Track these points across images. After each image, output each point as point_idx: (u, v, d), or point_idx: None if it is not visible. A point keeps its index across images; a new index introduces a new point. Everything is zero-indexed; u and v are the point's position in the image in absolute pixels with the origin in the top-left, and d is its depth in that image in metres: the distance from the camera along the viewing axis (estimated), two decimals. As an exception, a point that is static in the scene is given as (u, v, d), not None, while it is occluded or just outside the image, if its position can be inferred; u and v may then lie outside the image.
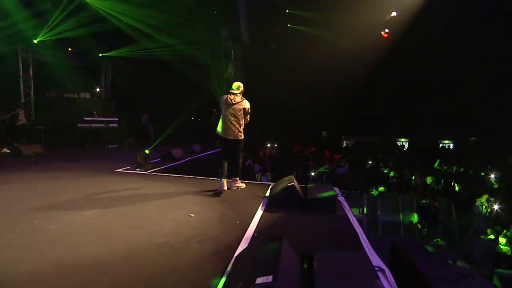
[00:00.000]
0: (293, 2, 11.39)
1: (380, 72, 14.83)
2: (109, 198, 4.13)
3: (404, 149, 17.71)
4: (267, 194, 4.61)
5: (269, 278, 1.60)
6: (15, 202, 3.77)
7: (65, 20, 9.74)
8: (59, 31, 9.81)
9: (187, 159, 7.90)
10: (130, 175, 5.79)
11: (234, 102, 4.44)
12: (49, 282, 2.07)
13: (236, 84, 4.52)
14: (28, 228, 2.96)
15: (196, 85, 13.38)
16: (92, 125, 9.81)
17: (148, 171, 6.07)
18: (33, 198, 3.98)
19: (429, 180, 8.10)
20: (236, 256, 2.34)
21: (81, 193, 4.28)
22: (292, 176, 4.60)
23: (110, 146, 10.10)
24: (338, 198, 4.06)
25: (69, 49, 11.91)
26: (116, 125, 10.51)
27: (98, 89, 12.66)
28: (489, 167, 9.72)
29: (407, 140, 19.35)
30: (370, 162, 10.94)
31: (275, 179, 6.85)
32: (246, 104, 4.49)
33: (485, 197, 6.86)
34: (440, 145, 18.18)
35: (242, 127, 4.56)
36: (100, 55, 12.46)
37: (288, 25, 12.84)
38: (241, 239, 2.89)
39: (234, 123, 4.43)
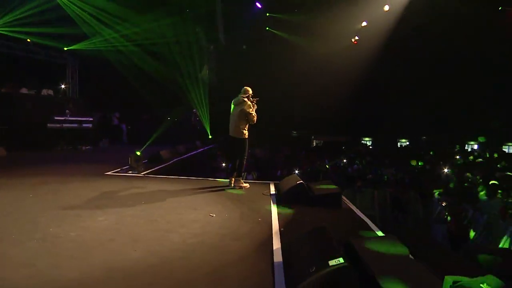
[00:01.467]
0: (273, 6, 11.73)
1: (348, 77, 15.97)
2: (115, 202, 3.99)
3: (370, 147, 19.21)
4: (272, 192, 4.85)
5: (340, 261, 1.84)
6: (11, 210, 3.47)
7: (23, 7, 8.84)
8: (14, 17, 8.84)
9: (174, 160, 7.76)
10: (124, 178, 5.56)
11: (237, 103, 4.81)
12: (108, 286, 2.05)
13: (244, 89, 4.87)
14: (47, 236, 2.79)
15: (171, 85, 13.06)
16: (64, 125, 9.03)
17: (142, 173, 5.89)
18: (31, 205, 3.70)
19: (398, 175, 9.02)
20: (283, 249, 2.53)
21: (80, 198, 4.07)
22: (295, 175, 4.90)
23: (84, 148, 9.41)
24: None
25: (28, 40, 10.77)
26: (90, 125, 9.81)
27: (63, 86, 11.60)
28: (441, 163, 11.14)
29: (370, 139, 21.11)
30: (344, 160, 11.76)
31: (260, 178, 7.33)
32: (244, 106, 4.76)
33: (437, 191, 7.93)
34: (399, 144, 20.12)
35: (244, 128, 4.82)
36: (66, 48, 11.50)
37: (267, 28, 13.19)
38: (271, 234, 3.08)
39: (235, 122, 4.81)
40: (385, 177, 9.23)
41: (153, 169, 6.38)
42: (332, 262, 1.84)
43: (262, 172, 9.08)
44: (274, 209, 3.96)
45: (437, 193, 8.05)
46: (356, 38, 12.68)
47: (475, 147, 17.39)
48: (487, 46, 12.21)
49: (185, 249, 2.65)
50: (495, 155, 12.93)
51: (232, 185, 4.96)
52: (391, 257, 2.17)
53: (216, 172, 8.24)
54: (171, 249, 2.64)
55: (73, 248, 2.58)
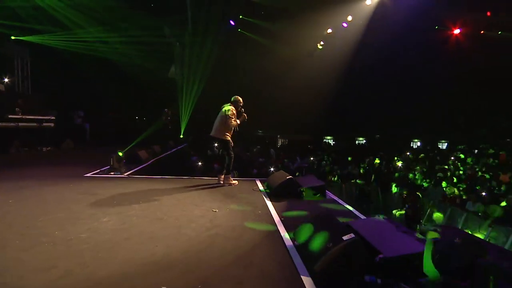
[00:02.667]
0: (245, 10, 12.04)
1: (313, 80, 17.03)
2: (111, 203, 3.96)
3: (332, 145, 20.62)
4: (260, 187, 5.20)
5: (352, 235, 2.26)
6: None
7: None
8: None
9: (153, 160, 7.65)
10: (108, 179, 5.40)
11: (222, 108, 5.19)
12: (147, 277, 2.19)
13: (235, 98, 5.27)
14: (56, 240, 2.75)
15: (138, 83, 12.62)
16: (20, 124, 8.21)
17: (125, 174, 5.76)
18: (19, 211, 3.52)
19: (362, 170, 10.05)
20: (294, 234, 2.89)
21: (70, 201, 3.97)
22: (282, 171, 5.32)
23: (44, 149, 8.67)
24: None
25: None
26: (52, 124, 9.04)
27: (6, 80, 10.37)
28: (396, 158, 12.64)
29: (331, 137, 22.67)
30: (312, 158, 12.59)
31: (241, 176, 7.56)
32: (226, 110, 5.08)
33: (394, 184, 9.11)
34: (356, 142, 21.96)
35: (226, 130, 5.12)
36: (13, 38, 10.37)
37: (239, 30, 13.44)
38: (274, 223, 3.42)
39: (218, 124, 5.15)
40: (352, 172, 10.19)
41: (134, 170, 6.25)
42: (345, 237, 2.25)
43: (239, 170, 9.39)
44: (268, 202, 4.31)
45: (394, 185, 9.20)
46: (322, 43, 13.63)
47: (418, 144, 19.86)
48: (430, 57, 14.15)
49: (203, 241, 2.85)
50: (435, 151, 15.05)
51: (222, 182, 5.21)
52: (380, 230, 2.68)
53: (195, 171, 8.32)
54: (189, 242, 2.81)
55: (91, 248, 2.60)
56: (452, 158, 12.18)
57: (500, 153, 13.13)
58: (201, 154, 10.84)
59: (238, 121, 5.15)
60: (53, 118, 9.12)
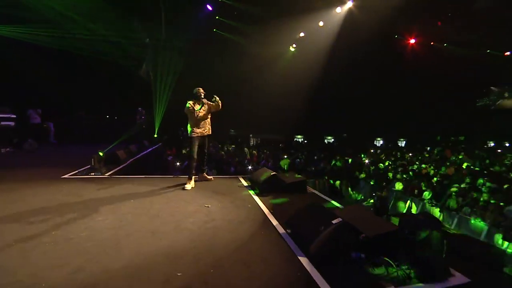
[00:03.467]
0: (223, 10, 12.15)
1: (284, 81, 17.66)
2: (102, 203, 3.94)
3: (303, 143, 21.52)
4: (244, 184, 5.48)
5: (340, 219, 2.65)
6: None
7: None
8: None
9: (131, 160, 7.53)
10: (89, 180, 5.28)
11: (201, 103, 5.10)
12: (161, 266, 2.36)
13: (199, 90, 5.11)
14: (57, 239, 2.78)
15: (110, 81, 12.12)
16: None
17: (107, 174, 5.67)
18: (1, 211, 3.40)
19: (337, 163, 10.80)
20: (286, 222, 3.23)
21: (56, 202, 3.89)
22: (265, 168, 5.65)
23: (3, 150, 8.04)
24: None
25: None
26: (12, 123, 8.39)
27: None
28: (363, 155, 13.73)
29: (302, 136, 23.63)
30: (285, 156, 13.15)
31: (219, 174, 7.76)
32: (210, 105, 5.10)
33: (362, 176, 9.98)
34: (326, 141, 23.18)
35: (188, 126, 5.10)
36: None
37: (214, 30, 13.49)
38: (265, 215, 3.73)
39: (208, 121, 5.20)
40: (324, 168, 10.89)
41: (115, 170, 6.15)
42: (334, 221, 2.64)
43: (217, 169, 9.55)
44: (255, 197, 4.61)
45: (362, 176, 10.01)
46: (294, 46, 14.25)
47: (381, 142, 21.62)
48: (391, 63, 15.54)
49: (204, 234, 3.06)
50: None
51: (207, 176, 5.46)
52: (360, 215, 3.12)
53: (174, 171, 8.32)
54: (192, 236, 2.99)
55: (96, 245, 2.68)
56: (411, 154, 13.56)
57: (446, 148, 14.92)
58: (177, 153, 10.80)
59: (204, 110, 4.97)
60: (13, 116, 8.45)
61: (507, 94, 21.45)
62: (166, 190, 4.80)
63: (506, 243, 5.06)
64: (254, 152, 14.16)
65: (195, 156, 4.97)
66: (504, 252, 4.20)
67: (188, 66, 14.65)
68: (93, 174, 5.57)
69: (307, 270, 2.37)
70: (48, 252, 2.53)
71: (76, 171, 5.72)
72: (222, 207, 4.02)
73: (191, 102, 4.96)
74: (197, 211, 3.79)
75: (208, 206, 3.98)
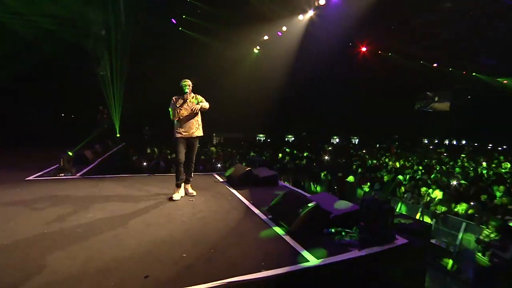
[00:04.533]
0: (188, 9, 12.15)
1: (247, 81, 18.21)
2: (85, 202, 3.95)
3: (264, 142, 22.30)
4: (220, 180, 5.84)
5: (314, 203, 3.22)
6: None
7: None
8: None
9: (98, 160, 7.33)
10: (61, 181, 5.11)
11: (188, 98, 4.34)
12: (164, 251, 2.66)
13: (188, 82, 4.34)
14: (55, 236, 2.85)
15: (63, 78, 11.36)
16: None
17: (78, 175, 5.54)
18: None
19: (305, 160, 11.67)
20: (268, 208, 3.70)
21: (33, 205, 3.80)
22: (239, 164, 6.07)
23: None
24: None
25: None
26: None
27: None
28: (321, 152, 14.95)
29: (264, 135, 24.47)
30: (252, 154, 13.70)
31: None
32: (200, 101, 4.42)
33: (323, 173, 11.03)
34: (286, 139, 24.35)
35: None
36: None
37: (180, 28, 13.37)
38: (246, 206, 4.17)
39: (196, 120, 4.43)
40: (288, 165, 11.67)
41: (85, 170, 6.00)
42: (310, 205, 3.20)
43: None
44: (233, 190, 5.01)
45: (323, 174, 11.02)
46: (258, 48, 14.86)
47: (337, 140, 23.52)
48: (347, 68, 17.12)
49: (196, 223, 3.38)
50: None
51: (190, 190, 4.53)
52: (327, 200, 3.76)
53: (143, 170, 8.26)
54: (185, 225, 3.28)
55: (97, 239, 2.81)
56: (364, 151, 15.17)
57: (391, 145, 17.00)
58: (141, 153, 10.61)
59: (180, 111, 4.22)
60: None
61: (437, 99, 25.00)
62: (146, 187, 4.93)
63: (433, 220, 6.26)
64: (219, 150, 14.46)
65: (181, 160, 4.27)
66: (430, 226, 5.29)
67: (151, 64, 14.29)
68: (62, 175, 5.39)
69: (290, 244, 2.88)
70: (51, 247, 2.61)
71: (42, 172, 5.47)
72: (205, 200, 4.35)
73: (174, 97, 4.30)
74: (183, 204, 4.07)
75: (192, 200, 4.28)
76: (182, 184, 4.44)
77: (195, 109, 4.29)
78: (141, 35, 13.19)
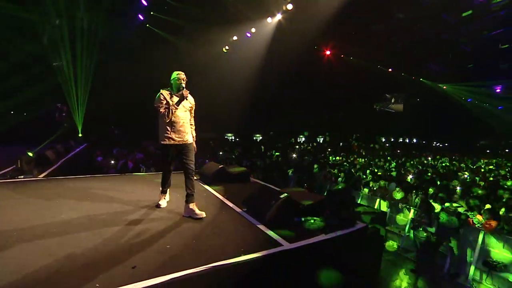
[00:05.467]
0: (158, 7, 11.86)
1: (218, 80, 18.26)
2: (55, 204, 3.82)
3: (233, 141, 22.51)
4: (194, 177, 5.94)
5: (286, 195, 3.55)
6: None
7: None
8: None
9: (61, 161, 6.97)
10: (20, 183, 4.80)
11: (181, 96, 3.63)
12: (148, 245, 2.77)
13: (182, 76, 3.66)
14: (27, 236, 2.76)
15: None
16: None
17: (41, 177, 5.26)
18: None
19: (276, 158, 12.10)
20: (243, 201, 3.95)
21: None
22: (213, 162, 6.25)
23: None
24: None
25: None
26: None
27: None
28: (288, 150, 15.59)
29: (232, 134, 24.68)
30: (221, 153, 13.84)
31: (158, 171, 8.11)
32: (192, 100, 3.80)
33: (291, 170, 11.61)
34: (254, 138, 24.84)
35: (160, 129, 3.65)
36: None
37: (147, 25, 12.97)
38: (221, 200, 4.39)
39: (188, 123, 3.77)
40: (258, 163, 12.02)
41: (48, 171, 5.71)
42: (282, 196, 3.52)
43: (156, 166, 9.52)
44: (207, 187, 5.18)
45: (290, 171, 11.59)
46: (227, 47, 15.03)
47: (303, 139, 24.57)
48: (313, 70, 18.00)
49: (175, 217, 3.51)
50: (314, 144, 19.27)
51: (197, 214, 3.53)
52: (298, 192, 4.13)
53: (109, 171, 8.01)
54: (165, 221, 3.38)
55: (75, 236, 2.80)
56: (330, 149, 16.12)
57: (353, 143, 18.29)
58: (107, 153, 10.20)
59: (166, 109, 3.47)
60: None
61: (393, 100, 27.36)
62: (119, 186, 4.87)
63: (388, 209, 7.03)
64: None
65: (169, 168, 3.76)
66: (385, 213, 6.00)
67: (118, 63, 13.66)
68: (22, 177, 5.08)
69: (265, 232, 3.17)
70: (26, 248, 2.55)
71: (-3, 174, 5.10)
72: (181, 197, 4.44)
73: (165, 91, 3.53)
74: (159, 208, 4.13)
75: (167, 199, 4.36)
76: (167, 191, 4.03)
77: (192, 109, 3.69)
78: (107, 32, 12.58)
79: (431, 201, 6.33)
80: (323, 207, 3.67)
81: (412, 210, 6.60)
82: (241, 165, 11.96)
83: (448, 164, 13.47)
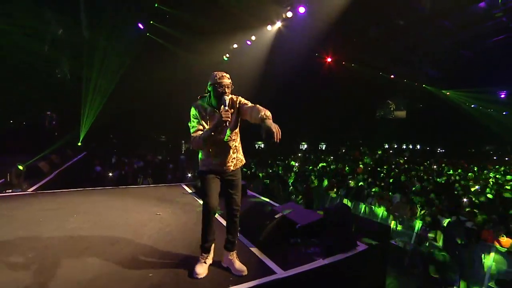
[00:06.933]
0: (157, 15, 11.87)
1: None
2: (48, 219, 3.68)
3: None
4: (189, 191, 5.75)
5: (281, 214, 3.32)
6: None
7: None
8: None
9: (55, 172, 6.81)
10: (9, 198, 4.64)
11: (227, 105, 2.51)
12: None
13: (225, 76, 2.62)
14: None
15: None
16: None
17: (31, 190, 5.10)
18: None
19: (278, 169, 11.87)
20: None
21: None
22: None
23: None
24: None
25: None
26: None
27: None
28: (291, 160, 15.35)
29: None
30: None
31: (156, 182, 8.15)
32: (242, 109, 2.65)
33: (291, 179, 11.36)
34: (256, 146, 24.65)
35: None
36: None
37: (147, 34, 12.99)
38: (215, 217, 4.15)
39: (236, 146, 2.69)
40: (259, 174, 11.81)
41: (39, 185, 5.55)
42: (276, 216, 3.30)
43: (154, 177, 9.34)
44: (201, 201, 4.95)
45: (291, 181, 11.36)
46: (227, 55, 14.99)
47: (305, 146, 24.37)
48: (314, 78, 17.88)
49: (166, 237, 3.30)
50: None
51: (237, 268, 2.58)
52: (294, 210, 3.89)
53: (106, 181, 7.84)
54: (152, 242, 3.16)
55: (52, 263, 2.61)
56: (332, 157, 15.87)
57: (355, 151, 18.01)
58: (105, 163, 10.06)
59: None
60: None
61: (395, 107, 27.12)
62: (109, 202, 4.69)
63: (394, 222, 6.73)
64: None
65: (213, 206, 2.60)
66: (389, 227, 5.71)
67: (127, 70, 13.65)
68: (10, 191, 4.91)
69: (258, 256, 2.94)
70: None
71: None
72: (172, 213, 4.26)
73: (199, 105, 2.56)
74: (150, 219, 3.94)
75: (159, 214, 4.16)
76: (212, 247, 2.70)
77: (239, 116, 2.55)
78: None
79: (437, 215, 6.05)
80: (321, 226, 3.43)
81: (417, 224, 6.32)
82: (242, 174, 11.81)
83: (452, 172, 13.13)
